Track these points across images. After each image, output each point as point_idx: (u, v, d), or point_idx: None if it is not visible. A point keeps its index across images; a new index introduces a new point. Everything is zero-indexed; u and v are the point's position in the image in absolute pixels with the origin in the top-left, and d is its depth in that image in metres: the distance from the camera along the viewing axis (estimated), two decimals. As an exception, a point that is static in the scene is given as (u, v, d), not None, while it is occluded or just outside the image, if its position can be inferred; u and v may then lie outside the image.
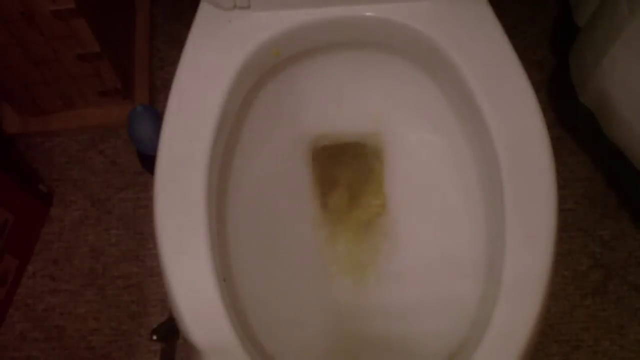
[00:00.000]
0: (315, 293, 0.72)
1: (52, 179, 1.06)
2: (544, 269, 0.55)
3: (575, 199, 1.03)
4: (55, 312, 0.96)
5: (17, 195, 0.96)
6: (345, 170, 0.86)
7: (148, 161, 1.01)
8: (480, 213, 0.67)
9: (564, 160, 1.05)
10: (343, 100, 0.79)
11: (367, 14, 0.69)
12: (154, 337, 0.85)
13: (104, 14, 0.99)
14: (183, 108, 0.63)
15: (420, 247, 0.73)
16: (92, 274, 0.99)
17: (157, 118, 0.95)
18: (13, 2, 0.82)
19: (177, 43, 0.70)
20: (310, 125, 0.80)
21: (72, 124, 1.09)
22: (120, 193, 1.05)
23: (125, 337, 0.94)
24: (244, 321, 0.59)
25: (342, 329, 0.70)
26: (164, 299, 0.96)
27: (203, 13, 0.69)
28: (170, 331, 0.86)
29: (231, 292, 0.59)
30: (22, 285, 0.98)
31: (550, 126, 0.83)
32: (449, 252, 0.71)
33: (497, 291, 0.54)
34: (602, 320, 0.94)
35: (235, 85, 0.65)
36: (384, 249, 0.75)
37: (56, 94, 1.03)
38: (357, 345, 0.69)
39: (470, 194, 0.70)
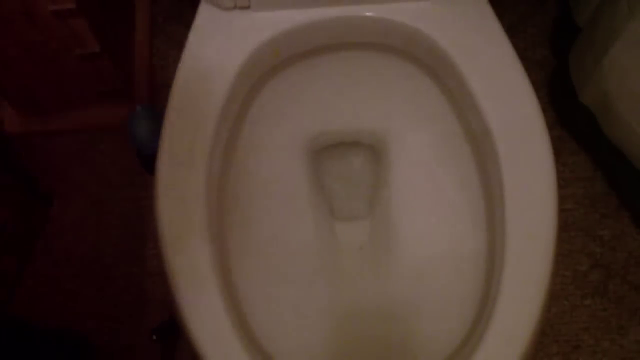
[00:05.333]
0: (315, 293, 0.72)
1: (52, 179, 1.06)
2: (544, 269, 0.55)
3: (576, 199, 1.03)
4: (55, 312, 0.96)
5: (17, 195, 0.96)
6: (345, 170, 0.86)
7: (148, 161, 1.00)
8: (481, 213, 0.67)
9: (564, 160, 1.05)
10: (343, 100, 0.79)
11: (367, 14, 0.69)
12: (154, 337, 0.85)
13: (104, 14, 0.99)
14: (183, 108, 0.63)
15: (421, 247, 0.73)
16: (92, 273, 0.99)
17: (157, 118, 0.95)
18: (13, 2, 0.82)
19: (177, 43, 0.70)
20: (310, 125, 0.80)
21: (72, 124, 1.09)
22: (120, 193, 1.05)
23: (125, 337, 0.94)
24: (244, 321, 0.59)
25: (342, 329, 0.70)
26: (164, 299, 0.96)
27: (203, 13, 0.69)
28: (170, 331, 0.86)
29: (232, 291, 0.59)
30: (22, 285, 0.98)
31: (550, 126, 0.83)
32: (449, 251, 0.71)
33: (497, 291, 0.54)
34: (602, 320, 0.94)
35: (235, 85, 0.65)
36: (384, 249, 0.75)
37: (56, 94, 1.03)
38: (357, 346, 0.69)
39: (471, 194, 0.70)
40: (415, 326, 0.68)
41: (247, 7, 0.68)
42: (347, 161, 0.86)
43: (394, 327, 0.69)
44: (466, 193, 0.71)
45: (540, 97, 0.63)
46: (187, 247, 0.56)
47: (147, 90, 1.10)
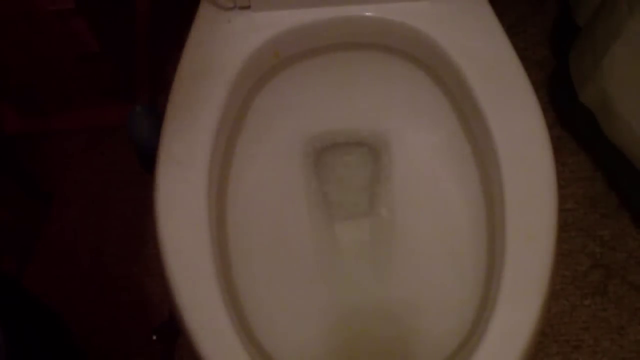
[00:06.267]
0: (315, 293, 0.72)
1: (52, 179, 1.06)
2: (544, 269, 0.55)
3: (576, 199, 1.03)
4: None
5: (17, 195, 0.96)
6: (345, 170, 0.86)
7: (148, 161, 1.00)
8: (481, 213, 0.67)
9: (564, 160, 1.05)
10: (343, 100, 0.79)
11: (367, 14, 0.69)
12: (154, 337, 0.85)
13: (104, 14, 0.99)
14: (183, 108, 0.63)
15: (421, 247, 0.73)
16: (92, 274, 0.99)
17: (157, 118, 0.95)
18: (13, 2, 0.83)
19: (177, 43, 0.70)
20: (310, 125, 0.80)
21: (72, 124, 1.09)
22: (120, 193, 1.05)
23: (125, 337, 0.94)
24: (244, 321, 0.59)
25: (342, 329, 0.70)
26: (164, 299, 0.96)
27: (203, 13, 0.69)
28: (170, 331, 0.86)
29: (231, 292, 0.60)
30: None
31: (550, 126, 0.83)
32: (449, 252, 0.71)
33: (497, 291, 0.54)
34: (602, 320, 0.94)
35: (235, 85, 0.65)
36: (384, 249, 0.75)
37: (56, 94, 1.03)
38: (357, 345, 0.69)
39: (471, 194, 0.70)
40: (415, 326, 0.68)
41: (247, 7, 0.68)
42: (347, 161, 0.86)
43: (393, 327, 0.69)
44: (466, 193, 0.71)
45: (540, 97, 0.63)
46: (187, 247, 0.56)
47: (147, 90, 1.10)
